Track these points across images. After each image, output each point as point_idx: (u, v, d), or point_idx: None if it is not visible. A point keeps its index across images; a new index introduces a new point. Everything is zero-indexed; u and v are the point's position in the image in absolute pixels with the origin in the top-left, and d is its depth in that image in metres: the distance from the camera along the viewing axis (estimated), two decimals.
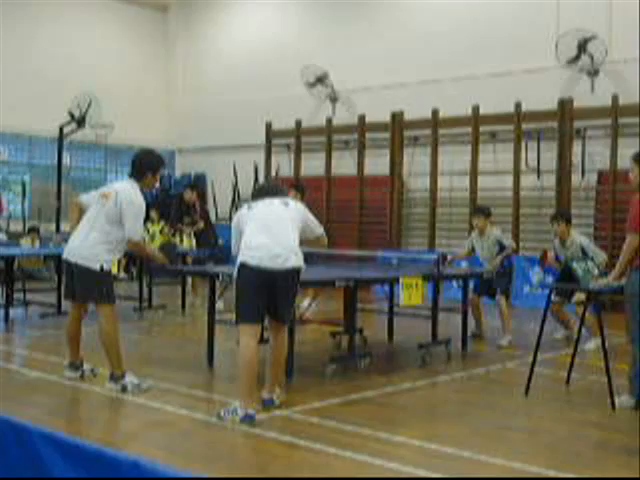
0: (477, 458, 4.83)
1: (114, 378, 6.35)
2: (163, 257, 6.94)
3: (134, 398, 6.15)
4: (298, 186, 13.03)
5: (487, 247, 9.59)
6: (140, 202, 6.45)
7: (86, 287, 6.46)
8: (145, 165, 6.62)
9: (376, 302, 11.88)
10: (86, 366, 6.80)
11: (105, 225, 6.41)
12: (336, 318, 9.06)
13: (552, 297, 8.44)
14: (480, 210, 9.93)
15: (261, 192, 6.24)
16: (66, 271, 6.78)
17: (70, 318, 6.80)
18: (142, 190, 6.57)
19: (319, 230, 6.33)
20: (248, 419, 5.42)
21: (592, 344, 8.70)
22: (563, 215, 9.55)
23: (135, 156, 6.74)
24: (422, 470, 4.58)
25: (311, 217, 6.24)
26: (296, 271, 5.79)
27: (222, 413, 5.51)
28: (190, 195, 13.34)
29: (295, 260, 5.76)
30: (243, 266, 5.70)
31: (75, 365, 6.76)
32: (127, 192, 6.45)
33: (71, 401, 6.22)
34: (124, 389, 6.27)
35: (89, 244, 6.40)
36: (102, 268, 6.39)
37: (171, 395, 6.31)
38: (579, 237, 9.23)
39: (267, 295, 5.70)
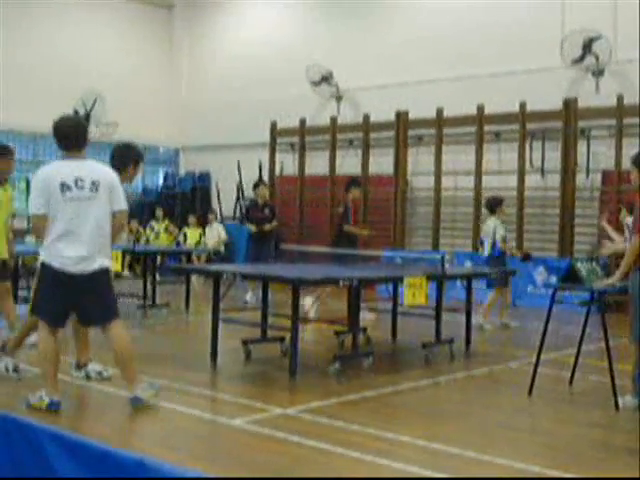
0: (480, 458, 4.83)
1: (78, 366, 6.69)
2: None
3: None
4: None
5: None
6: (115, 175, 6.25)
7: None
8: (126, 158, 6.64)
9: (380, 301, 11.88)
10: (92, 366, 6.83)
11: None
12: (339, 317, 9.07)
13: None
14: None
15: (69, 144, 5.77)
16: None
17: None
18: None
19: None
20: (54, 406, 5.59)
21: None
22: None
23: (114, 150, 6.76)
24: (426, 470, 4.59)
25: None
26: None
27: (29, 399, 5.68)
28: (265, 191, 13.15)
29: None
30: None
31: (79, 365, 6.81)
32: (106, 172, 6.15)
33: (73, 399, 6.22)
34: (88, 377, 6.63)
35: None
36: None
37: (174, 393, 6.32)
38: None
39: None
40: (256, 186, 13.52)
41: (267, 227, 12.95)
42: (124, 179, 6.51)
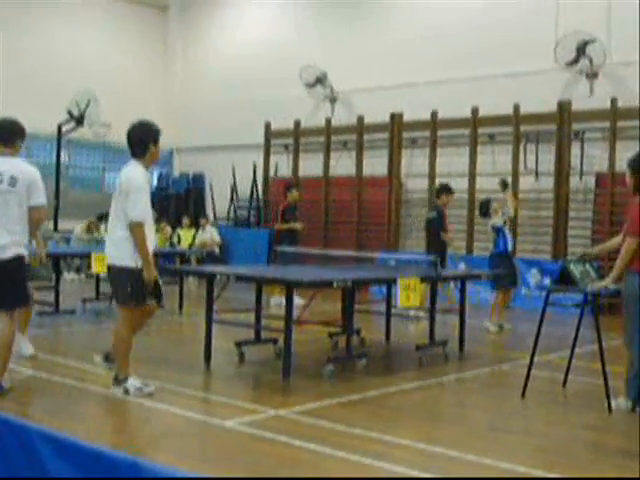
0: (473, 460, 4.83)
1: (117, 381, 6.28)
2: (151, 276, 6.21)
3: (130, 398, 6.14)
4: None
5: None
6: (138, 178, 6.14)
7: (115, 287, 6.35)
8: (145, 137, 6.29)
9: (374, 303, 11.88)
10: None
11: (123, 218, 6.14)
12: (333, 319, 9.06)
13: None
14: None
15: None
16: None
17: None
18: (147, 168, 6.32)
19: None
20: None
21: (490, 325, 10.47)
22: None
23: (129, 134, 6.35)
24: (418, 471, 4.59)
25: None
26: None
27: None
28: (297, 194, 13.39)
29: None
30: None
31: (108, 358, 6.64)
32: (125, 173, 6.22)
33: (67, 400, 6.20)
34: (126, 392, 6.19)
35: (115, 242, 6.22)
36: (128, 266, 6.15)
37: (167, 395, 6.31)
38: None
39: None
40: (290, 189, 13.53)
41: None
42: (150, 162, 6.31)
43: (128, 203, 6.03)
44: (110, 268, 6.31)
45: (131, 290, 6.16)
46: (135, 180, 6.10)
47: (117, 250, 6.19)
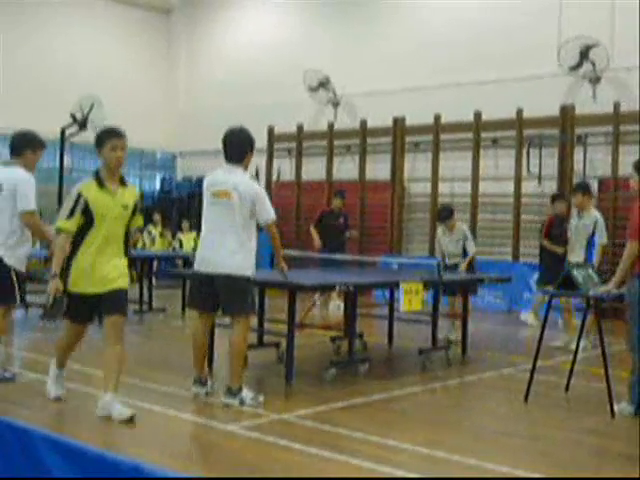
0: (476, 464, 4.83)
1: (231, 392, 6.17)
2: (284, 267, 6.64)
3: (131, 402, 6.15)
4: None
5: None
6: (254, 183, 6.43)
7: (234, 297, 6.17)
8: (245, 144, 6.53)
9: (376, 307, 11.88)
10: (210, 382, 6.48)
11: (241, 228, 6.17)
12: (336, 323, 9.07)
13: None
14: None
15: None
16: (201, 283, 6.36)
17: (199, 329, 6.44)
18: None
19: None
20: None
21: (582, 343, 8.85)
22: None
23: (229, 137, 6.61)
24: (420, 475, 4.58)
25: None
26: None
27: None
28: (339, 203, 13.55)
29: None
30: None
31: (201, 381, 6.43)
32: (239, 182, 6.26)
33: (69, 404, 6.21)
34: (242, 403, 6.11)
35: (232, 253, 6.14)
36: (249, 276, 6.19)
37: (170, 398, 6.32)
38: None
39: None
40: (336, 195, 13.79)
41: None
42: (245, 167, 6.45)
43: (260, 209, 6.18)
44: (227, 278, 6.12)
45: (251, 299, 6.25)
46: (254, 187, 6.30)
47: (237, 260, 6.12)
